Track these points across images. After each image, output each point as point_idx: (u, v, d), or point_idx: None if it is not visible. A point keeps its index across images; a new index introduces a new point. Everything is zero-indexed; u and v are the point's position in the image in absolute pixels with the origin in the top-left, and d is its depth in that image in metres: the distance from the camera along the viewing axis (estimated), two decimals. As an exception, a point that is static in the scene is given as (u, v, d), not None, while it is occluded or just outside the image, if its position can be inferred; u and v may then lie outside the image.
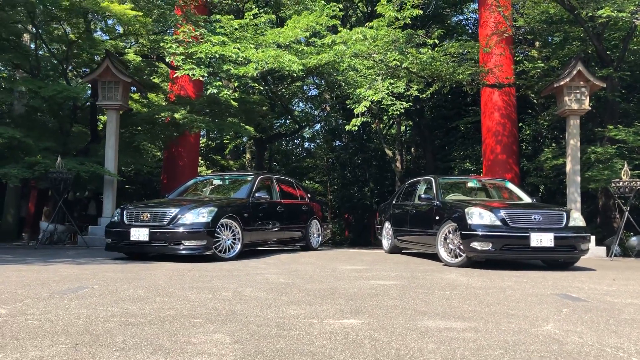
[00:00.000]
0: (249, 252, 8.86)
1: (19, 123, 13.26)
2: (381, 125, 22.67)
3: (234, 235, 7.87)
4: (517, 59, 15.08)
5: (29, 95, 13.57)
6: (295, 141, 31.36)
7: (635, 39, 13.16)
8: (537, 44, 15.35)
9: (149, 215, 7.55)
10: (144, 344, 2.73)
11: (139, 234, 7.38)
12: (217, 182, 9.59)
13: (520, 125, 15.72)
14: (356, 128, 11.33)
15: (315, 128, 29.87)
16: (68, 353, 2.54)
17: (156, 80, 16.51)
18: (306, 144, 32.55)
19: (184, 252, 7.31)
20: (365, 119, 11.54)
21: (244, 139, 24.39)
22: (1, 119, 15.02)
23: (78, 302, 3.91)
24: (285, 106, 22.27)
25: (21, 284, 4.82)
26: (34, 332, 2.94)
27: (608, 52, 13.42)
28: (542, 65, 13.78)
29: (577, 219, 7.22)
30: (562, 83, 11.26)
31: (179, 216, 7.40)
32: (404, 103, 11.83)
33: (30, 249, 10.64)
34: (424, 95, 13.46)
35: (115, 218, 7.95)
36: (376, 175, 24.63)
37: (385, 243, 10.23)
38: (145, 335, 2.91)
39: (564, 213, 7.21)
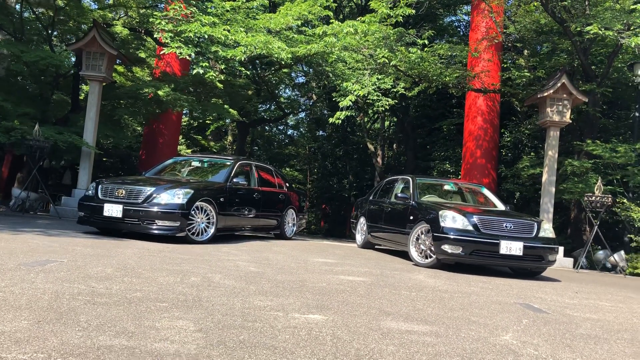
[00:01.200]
0: (222, 236, 8.86)
1: (-2, 86, 13.00)
2: (365, 119, 22.73)
3: (209, 218, 7.86)
4: (505, 65, 15.24)
5: (10, 58, 13.32)
6: (279, 127, 31.33)
7: (620, 57, 13.39)
8: (525, 52, 15.52)
9: (124, 191, 7.50)
10: (108, 326, 2.74)
11: (113, 210, 7.33)
12: (195, 163, 9.54)
13: (502, 131, 15.91)
14: (340, 121, 11.35)
15: (300, 116, 29.85)
16: (30, 330, 2.55)
17: (142, 55, 16.32)
18: (289, 132, 32.53)
19: (156, 231, 7.28)
20: (349, 114, 11.57)
21: (227, 121, 24.24)
22: (-21, 80, 14.71)
23: (45, 276, 3.90)
24: (271, 92, 22.18)
25: (-12, 252, 4.78)
26: (-3, 305, 2.93)
27: (593, 67, 13.64)
28: (529, 74, 13.94)
29: (547, 230, 7.37)
30: (545, 94, 11.41)
31: (154, 195, 7.36)
32: (389, 99, 11.87)
33: (1, 215, 10.50)
34: (410, 94, 13.54)
35: (90, 192, 7.87)
36: (356, 169, 24.75)
37: (359, 238, 10.31)
38: (110, 317, 2.92)
39: (535, 223, 7.35)
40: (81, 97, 14.95)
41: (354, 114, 13.27)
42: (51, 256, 4.92)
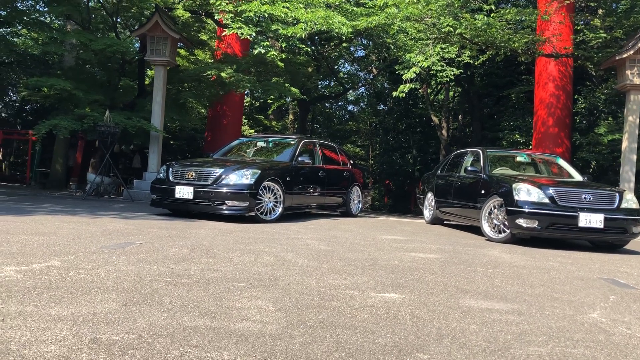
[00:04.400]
0: (289, 215, 8.98)
1: (69, 75, 13.59)
2: (428, 91, 22.26)
3: (276, 198, 7.99)
4: (577, 27, 14.45)
5: (79, 47, 13.86)
6: (339, 104, 31.20)
7: None
8: (600, 12, 14.64)
9: (193, 174, 7.72)
10: (191, 306, 2.83)
11: (184, 192, 7.57)
12: (260, 144, 9.69)
13: (575, 97, 15.18)
14: (404, 95, 11.16)
15: (360, 91, 29.60)
16: (119, 311, 2.67)
17: (204, 37, 16.59)
18: (350, 107, 32.37)
19: (226, 212, 7.47)
20: (413, 86, 11.35)
21: (288, 100, 24.39)
22: (52, 70, 15.44)
23: (126, 258, 4.07)
24: (331, 67, 22.08)
25: (72, 236, 5.04)
26: (87, 288, 3.08)
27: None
28: (604, 35, 13.17)
29: (630, 201, 7.02)
30: (625, 56, 10.76)
31: (223, 176, 7.54)
32: (454, 69, 11.56)
33: (77, 199, 11.05)
34: (477, 63, 13.11)
35: (161, 175, 8.16)
36: (420, 142, 24.35)
37: (427, 214, 10.19)
38: (192, 297, 3.01)
39: (617, 194, 7.00)
40: (147, 82, 15.40)
41: (417, 86, 12.98)
42: (129, 238, 5.13)
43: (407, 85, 11.28)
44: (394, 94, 11.38)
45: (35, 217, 6.60)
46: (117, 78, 14.29)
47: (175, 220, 7.19)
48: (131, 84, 15.66)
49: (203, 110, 19.37)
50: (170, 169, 8.03)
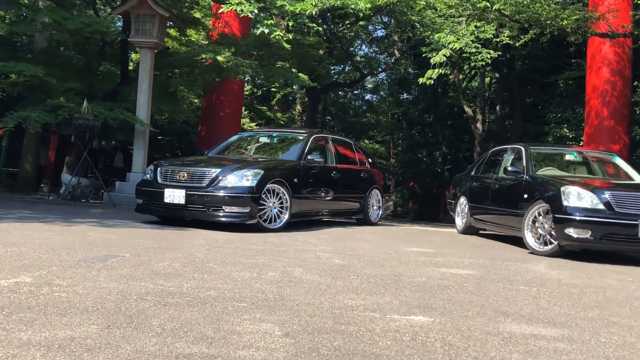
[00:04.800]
0: (297, 223, 8.98)
1: (41, 59, 13.67)
2: (461, 77, 22.21)
3: (282, 203, 8.01)
4: (637, 2, 14.34)
5: (52, 27, 13.95)
6: (355, 92, 31.22)
7: None
8: (664, -17, 14.52)
9: (185, 174, 7.76)
10: (184, 330, 2.84)
11: (174, 196, 7.61)
12: (263, 139, 9.73)
13: (634, 84, 15.07)
14: (431, 82, 11.15)
15: (380, 77, 29.62)
16: (101, 335, 2.68)
17: (197, 15, 16.64)
18: (367, 96, 32.39)
19: (224, 219, 7.51)
20: (442, 71, 11.33)
21: (295, 88, 24.44)
22: (21, 53, 15.54)
23: (107, 273, 4.09)
24: (346, 50, 22.11)
25: (45, 247, 5.08)
26: (63, 308, 3.10)
27: None
28: (670, 11, 13.06)
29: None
30: (694, 35, 10.67)
31: (220, 178, 7.58)
32: (491, 52, 11.54)
33: (51, 204, 11.15)
34: (518, 44, 13.05)
35: (148, 176, 8.22)
36: (450, 138, 24.30)
37: (459, 221, 10.17)
38: (185, 320, 3.02)
39: (686, 199, 6.93)
40: (131, 68, 15.52)
41: (447, 72, 12.93)
42: (111, 250, 5.17)
43: (436, 70, 11.26)
44: (420, 80, 11.36)
45: (1, 225, 6.65)
46: (96, 63, 14.40)
47: (164, 229, 7.22)
48: (113, 69, 15.77)
49: (196, 101, 19.46)
50: (159, 169, 8.08)
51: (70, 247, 5.16)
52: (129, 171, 13.00)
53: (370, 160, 10.94)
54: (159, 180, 7.95)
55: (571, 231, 6.71)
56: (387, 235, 8.72)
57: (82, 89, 13.20)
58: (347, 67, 25.92)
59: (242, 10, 10.87)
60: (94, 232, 6.49)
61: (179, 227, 7.59)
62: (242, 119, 19.57)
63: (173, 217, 8.06)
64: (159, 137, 19.95)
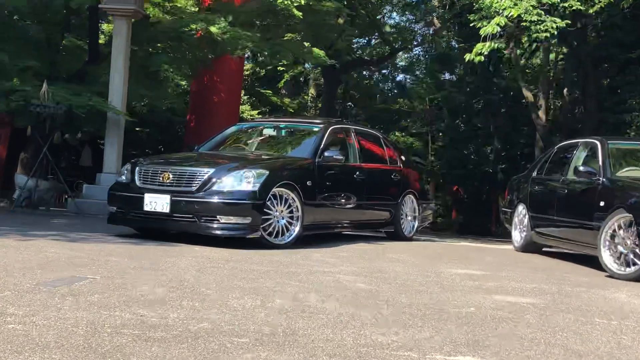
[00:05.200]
0: (310, 237, 8.99)
1: (-12, 32, 13.79)
2: (518, 53, 22.12)
3: (291, 212, 8.01)
4: None
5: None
6: (383, 72, 31.24)
7: None
8: None
9: (171, 176, 7.78)
10: (170, 372, 2.85)
11: (157, 203, 7.63)
12: (268, 131, 9.76)
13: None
14: (482, 58, 11.11)
15: (415, 53, 29.62)
16: (66, 378, 2.69)
17: (185, -25, 16.72)
18: (399, 77, 32.42)
19: (219, 232, 7.54)
20: (495, 46, 11.29)
21: (307, 66, 24.47)
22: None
23: (74, 300, 4.12)
24: (372, 17, 22.11)
25: (-5, 267, 5.12)
26: (19, 344, 3.12)
27: None
28: None
29: None
30: None
31: (213, 180, 7.60)
32: (557, 20, 11.48)
33: (1, 211, 11.23)
34: (592, 10, 12.99)
35: (124, 177, 8.26)
36: (505, 130, 24.23)
37: (517, 236, 10.14)
38: (171, 359, 3.03)
39: None
40: (102, 42, 15.59)
41: (501, 46, 12.85)
42: (78, 271, 5.19)
43: (487, 44, 11.23)
44: (467, 57, 11.34)
45: (-59, 238, 6.71)
46: (59, 35, 14.50)
47: (144, 244, 7.25)
48: (79, 44, 15.87)
49: (184, 83, 19.54)
50: (137, 168, 8.11)
51: (27, 267, 5.19)
52: (100, 171, 13.07)
53: (403, 157, 10.92)
54: (138, 182, 7.98)
55: (661, 249, 6.67)
56: (424, 254, 8.68)
57: (41, 68, 13.27)
58: (373, 41, 25.95)
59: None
60: (56, 248, 6.52)
61: (162, 241, 7.61)
62: (241, 106, 19.63)
63: (156, 229, 8.09)
64: (137, 129, 20.06)
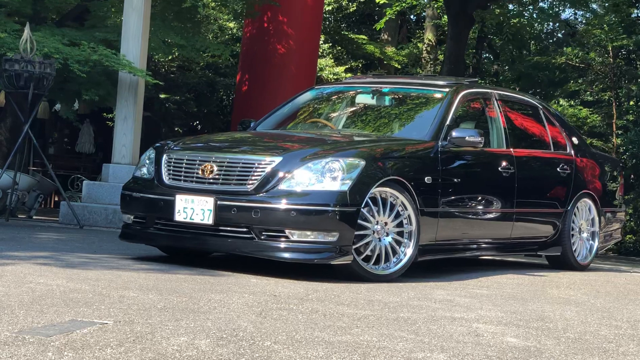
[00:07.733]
0: (429, 264, 8.94)
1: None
2: None
3: (400, 224, 7.95)
4: None
5: None
6: (541, 4, 30.88)
7: None
8: None
9: (215, 168, 7.82)
10: None
11: (194, 210, 7.68)
12: (364, 99, 9.71)
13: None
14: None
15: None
16: None
17: None
18: (565, 15, 31.99)
19: (288, 255, 7.55)
20: None
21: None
22: None
23: (75, 357, 4.15)
24: None
25: (-43, 305, 5.23)
26: None
27: None
28: None
29: None
30: None
31: (280, 174, 7.62)
32: None
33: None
34: None
35: (144, 170, 8.33)
36: None
37: None
38: None
39: None
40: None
41: None
42: (80, 312, 5.23)
43: None
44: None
45: None
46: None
47: (175, 272, 7.30)
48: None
49: (232, 25, 19.68)
50: (164, 156, 8.18)
51: (7, 306, 5.25)
52: (107, 161, 13.20)
53: (574, 140, 10.74)
54: (165, 178, 8.06)
55: None
56: (609, 291, 8.54)
57: (22, 5, 13.53)
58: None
59: None
60: (46, 276, 6.60)
61: (202, 268, 7.66)
62: (320, 60, 19.70)
63: (191, 250, 8.16)
64: (162, 97, 20.27)
